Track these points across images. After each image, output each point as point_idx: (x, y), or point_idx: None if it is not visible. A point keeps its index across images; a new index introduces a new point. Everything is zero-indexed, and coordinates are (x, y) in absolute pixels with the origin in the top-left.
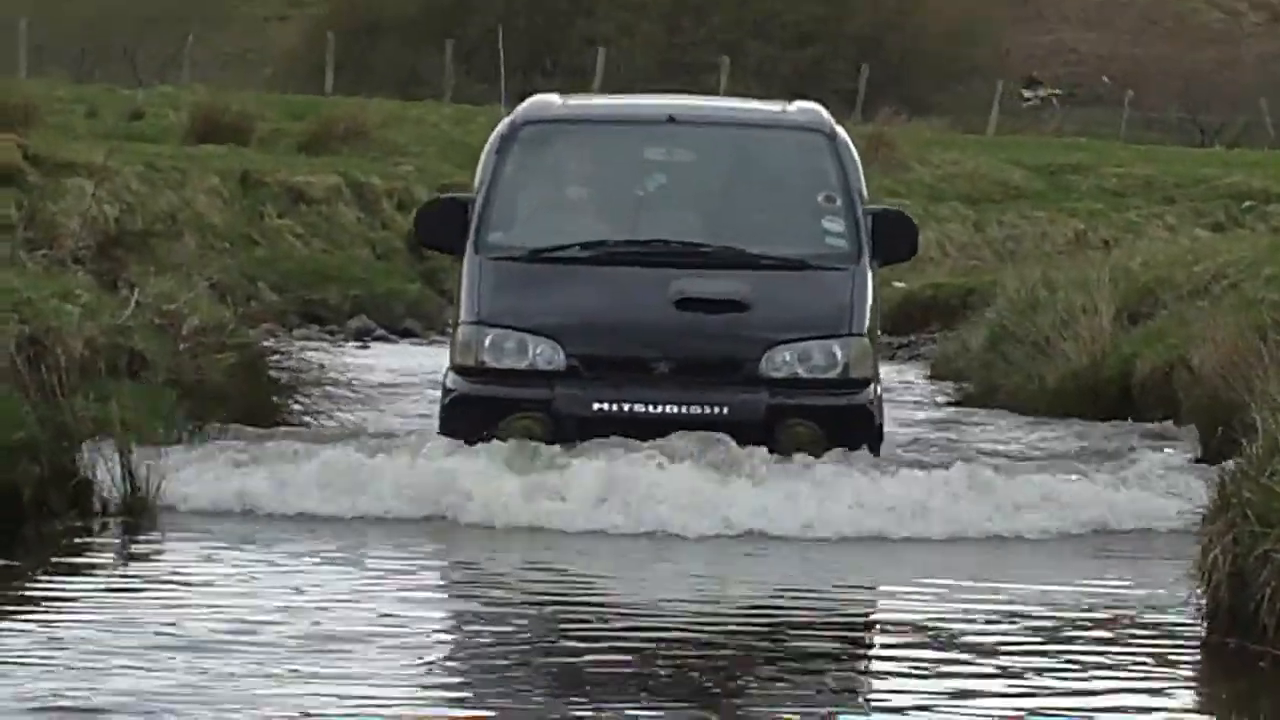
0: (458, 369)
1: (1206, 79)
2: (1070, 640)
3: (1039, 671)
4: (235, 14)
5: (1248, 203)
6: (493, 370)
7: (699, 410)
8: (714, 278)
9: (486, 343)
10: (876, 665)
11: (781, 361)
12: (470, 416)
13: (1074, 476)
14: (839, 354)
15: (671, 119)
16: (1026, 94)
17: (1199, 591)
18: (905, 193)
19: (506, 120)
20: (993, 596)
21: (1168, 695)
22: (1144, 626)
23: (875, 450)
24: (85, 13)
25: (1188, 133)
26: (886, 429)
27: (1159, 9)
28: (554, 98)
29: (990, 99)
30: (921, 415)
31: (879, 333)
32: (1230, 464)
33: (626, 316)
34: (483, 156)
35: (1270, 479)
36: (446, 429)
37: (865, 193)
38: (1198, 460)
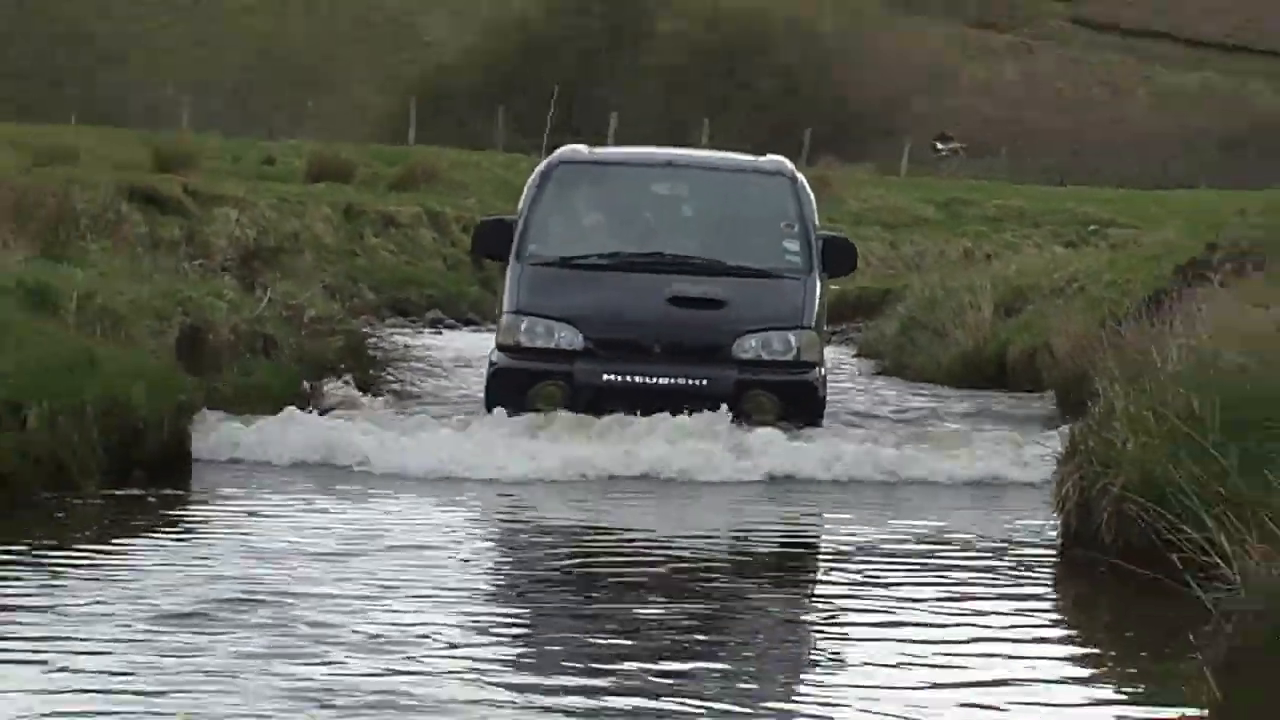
0: (500, 348)
1: (1066, 137)
2: (956, 557)
3: (936, 577)
4: (342, 83)
5: (1092, 226)
6: (527, 349)
7: (684, 382)
8: (699, 282)
9: (522, 327)
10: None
11: (748, 346)
12: (508, 384)
13: (958, 451)
14: (792, 341)
15: (670, 164)
16: (940, 146)
17: (1055, 517)
18: (839, 219)
19: (545, 161)
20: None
21: (1035, 593)
22: (1015, 544)
23: (818, 417)
24: (233, 81)
25: (1050, 175)
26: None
27: (1033, 86)
28: (582, 147)
29: (919, 146)
30: (849, 384)
31: (825, 327)
32: (1079, 422)
33: (631, 309)
34: (525, 188)
35: (1108, 432)
36: (491, 393)
37: (817, 223)
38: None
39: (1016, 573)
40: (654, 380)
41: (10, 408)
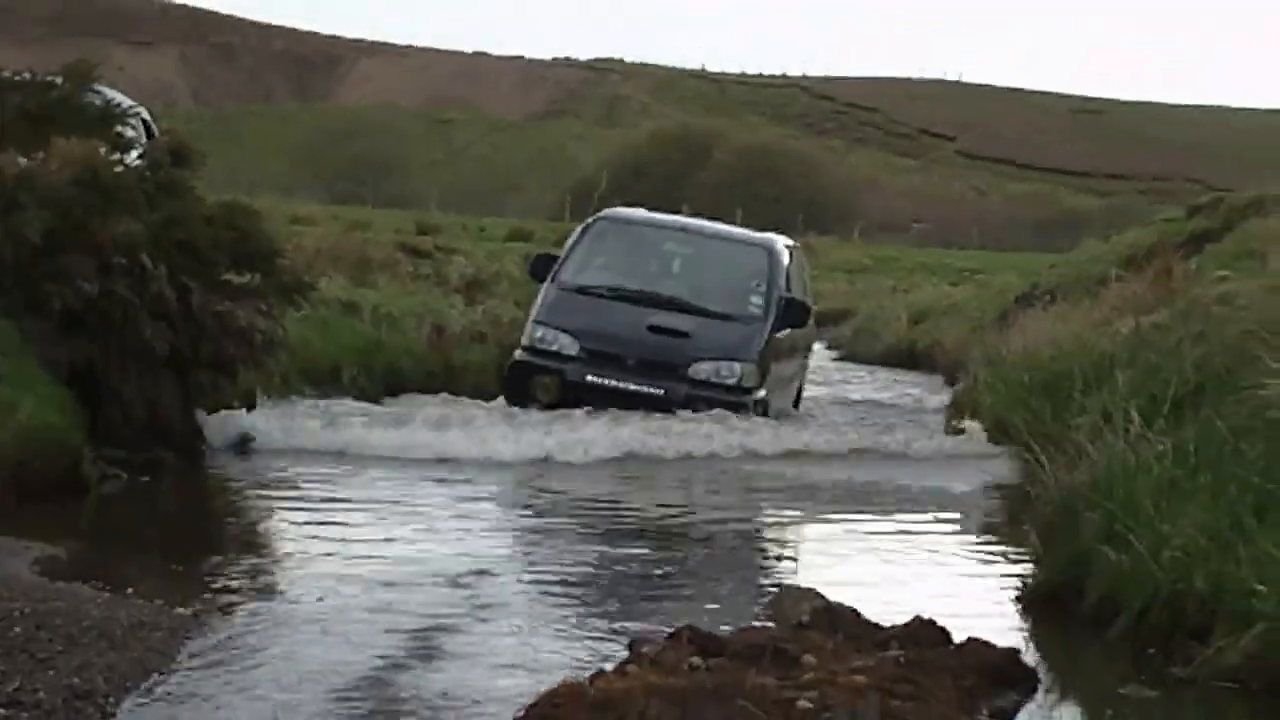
0: (521, 347)
1: (949, 220)
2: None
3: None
4: (526, 187)
5: (965, 273)
6: (538, 350)
7: (648, 390)
8: (674, 317)
9: (538, 334)
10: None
11: (702, 370)
12: (519, 374)
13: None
14: (737, 370)
15: (684, 229)
16: (917, 225)
17: (944, 427)
18: (818, 267)
19: (592, 217)
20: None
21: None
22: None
23: None
24: (464, 185)
25: (940, 242)
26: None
27: (930, 190)
28: (626, 210)
29: (863, 224)
30: (825, 363)
31: (790, 361)
32: (957, 386)
33: (618, 330)
34: (574, 232)
35: (974, 393)
36: (506, 380)
37: (784, 285)
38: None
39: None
40: (625, 384)
41: (333, 370)
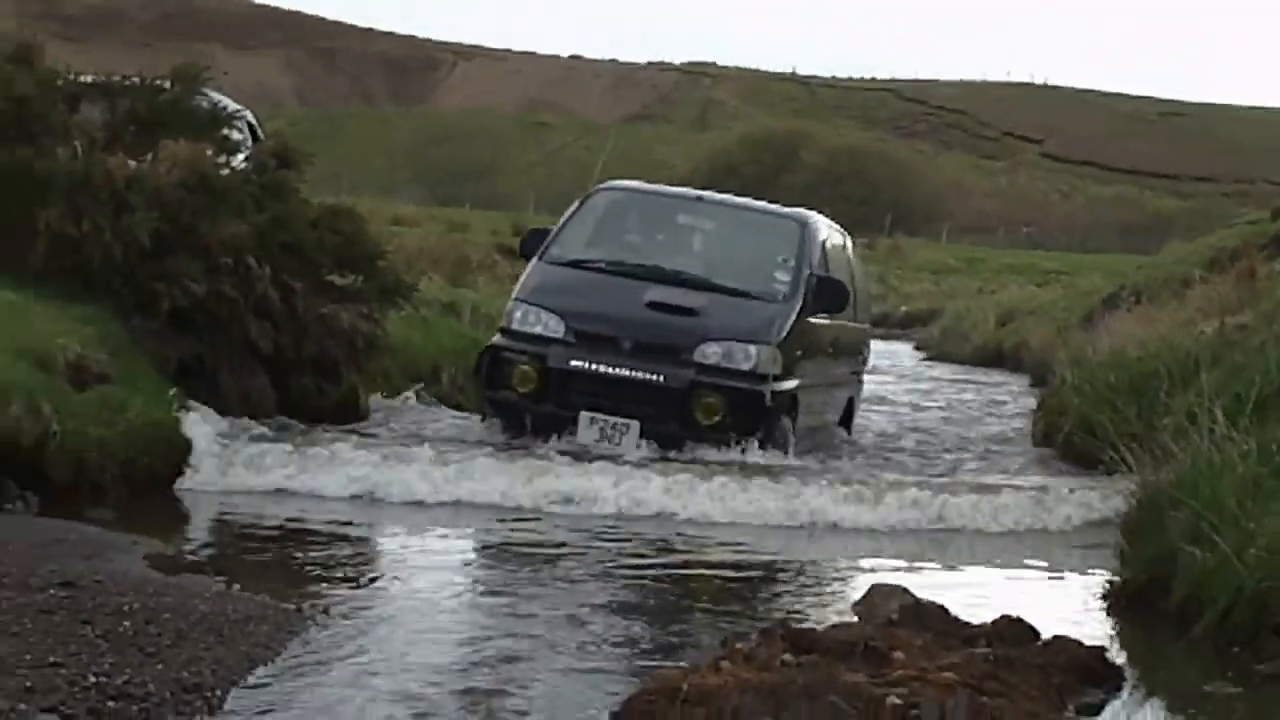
0: (499, 330)
1: (1035, 222)
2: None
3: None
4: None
5: (1051, 274)
6: (518, 332)
7: (642, 375)
8: (680, 293)
9: (517, 314)
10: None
11: (710, 352)
12: (495, 361)
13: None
14: (752, 353)
15: (699, 199)
16: (1026, 228)
17: (1034, 432)
18: (903, 267)
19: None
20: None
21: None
22: (1011, 442)
23: (758, 427)
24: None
25: (1027, 244)
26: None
27: (1017, 193)
28: (632, 181)
29: (953, 227)
30: (911, 362)
31: (805, 357)
32: (1044, 389)
33: (612, 308)
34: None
35: (1062, 395)
36: (481, 368)
37: (815, 263)
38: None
39: (1008, 457)
40: (616, 370)
41: (434, 370)
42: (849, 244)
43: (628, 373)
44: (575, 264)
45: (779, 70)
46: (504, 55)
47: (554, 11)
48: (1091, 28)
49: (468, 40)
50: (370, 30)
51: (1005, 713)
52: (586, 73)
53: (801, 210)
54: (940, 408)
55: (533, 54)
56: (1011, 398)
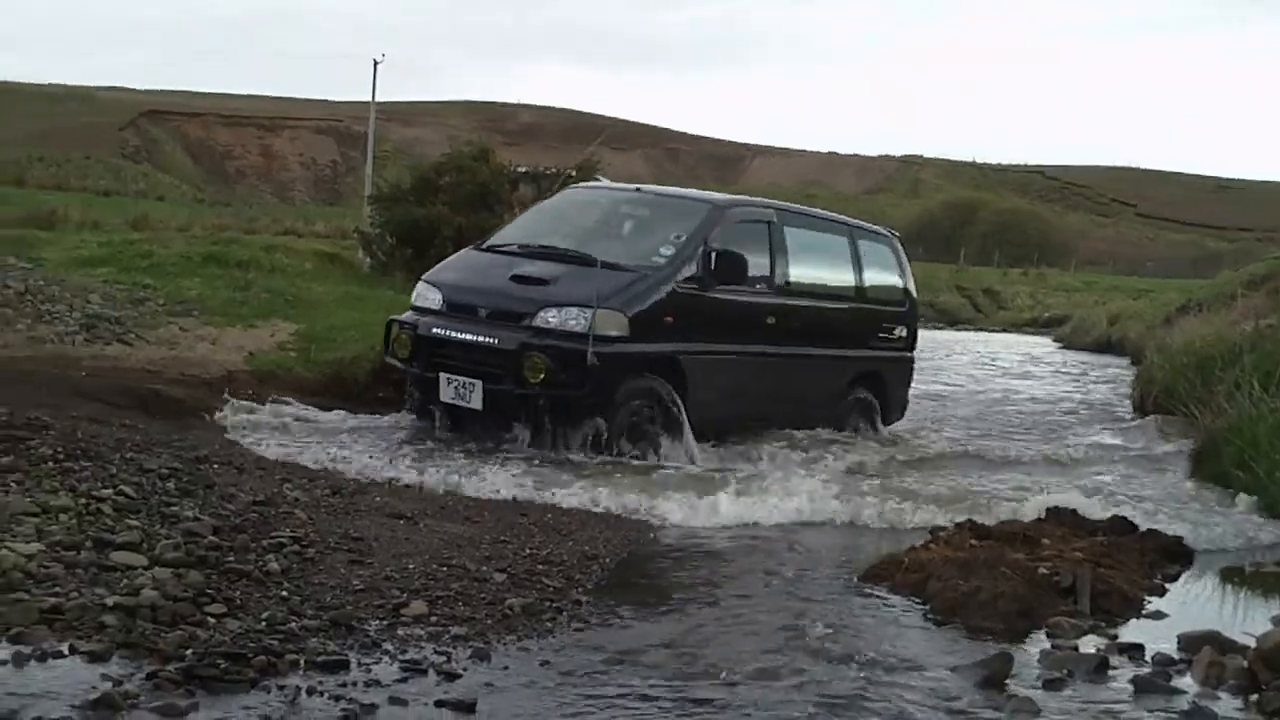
0: (410, 306)
1: (1131, 258)
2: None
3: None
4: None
5: (1143, 292)
6: (413, 306)
7: (484, 339)
8: (545, 265)
9: (416, 291)
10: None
11: (548, 317)
12: (387, 330)
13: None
14: (587, 317)
15: (639, 190)
16: (1149, 264)
17: (1133, 396)
18: (1043, 289)
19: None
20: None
21: (1125, 432)
22: (1105, 407)
23: (583, 386)
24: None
25: (1128, 273)
26: (1045, 351)
27: (1117, 239)
28: (598, 181)
29: (1077, 261)
30: (1048, 347)
31: (702, 329)
32: (1139, 366)
33: (480, 282)
34: None
35: (1151, 370)
36: (384, 339)
37: (719, 243)
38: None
39: (1105, 424)
40: (463, 335)
41: None
42: (802, 237)
43: (473, 337)
44: (490, 248)
45: (963, 159)
46: (785, 150)
47: (817, 121)
48: (1171, 122)
49: (762, 141)
50: (699, 135)
51: (1115, 578)
52: (839, 162)
53: (731, 197)
54: (1074, 374)
55: (804, 150)
56: (1114, 369)
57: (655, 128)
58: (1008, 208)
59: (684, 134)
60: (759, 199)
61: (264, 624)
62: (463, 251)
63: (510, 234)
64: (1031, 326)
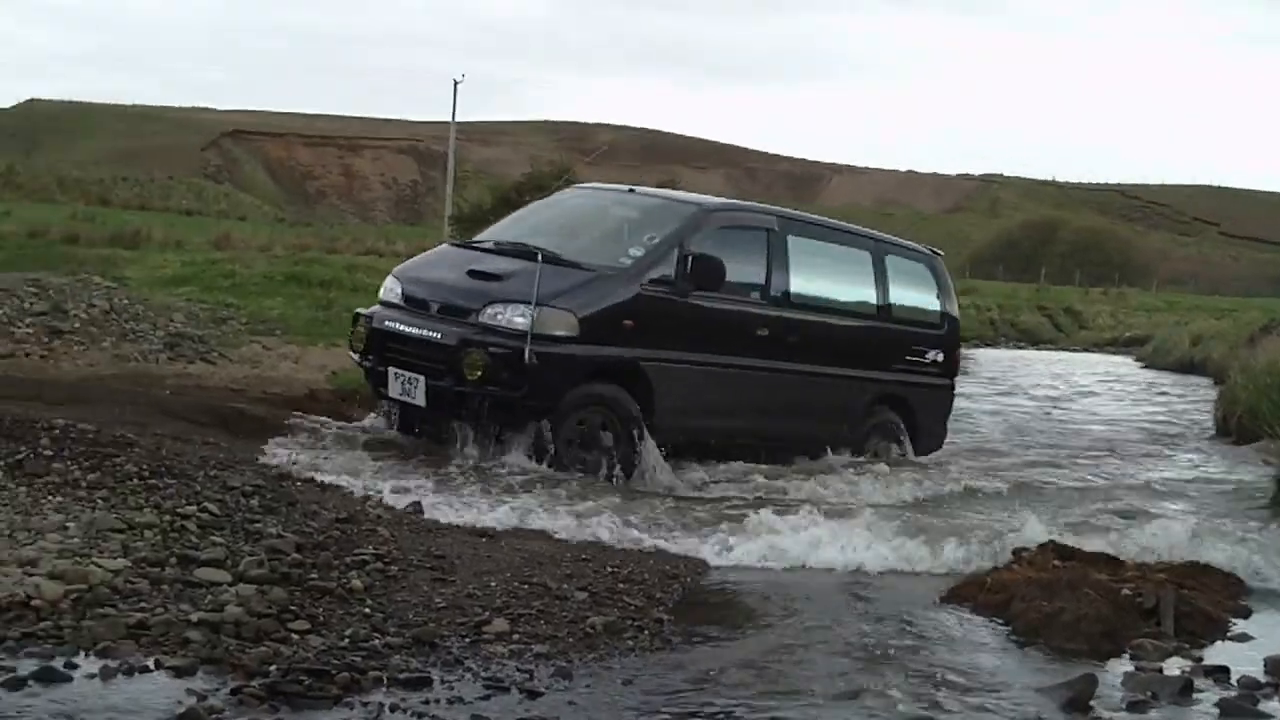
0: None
1: (1213, 279)
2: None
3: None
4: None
5: (1225, 311)
6: (381, 301)
7: (428, 334)
8: (502, 262)
9: (383, 285)
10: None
11: (493, 313)
12: (352, 323)
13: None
14: (528, 314)
15: (631, 190)
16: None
17: (1215, 415)
18: (1125, 308)
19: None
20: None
21: (1202, 453)
22: (1184, 425)
23: (520, 388)
24: None
25: (1209, 293)
26: (1128, 371)
27: (1200, 259)
28: (600, 184)
29: (1159, 280)
30: (1130, 367)
31: (629, 323)
32: (1223, 385)
33: (436, 276)
34: None
35: (1234, 390)
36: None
37: (700, 247)
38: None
39: (1178, 444)
40: (411, 330)
41: None
42: (808, 245)
43: (418, 332)
44: (464, 244)
45: (1043, 178)
46: (864, 170)
47: (896, 139)
48: (1255, 140)
49: (841, 160)
50: (778, 155)
51: (1199, 599)
52: (918, 181)
53: (722, 199)
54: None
55: (881, 168)
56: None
57: (733, 146)
58: (1087, 227)
59: (762, 153)
60: (759, 204)
61: (347, 641)
62: (439, 246)
63: (492, 231)
64: (1113, 346)
